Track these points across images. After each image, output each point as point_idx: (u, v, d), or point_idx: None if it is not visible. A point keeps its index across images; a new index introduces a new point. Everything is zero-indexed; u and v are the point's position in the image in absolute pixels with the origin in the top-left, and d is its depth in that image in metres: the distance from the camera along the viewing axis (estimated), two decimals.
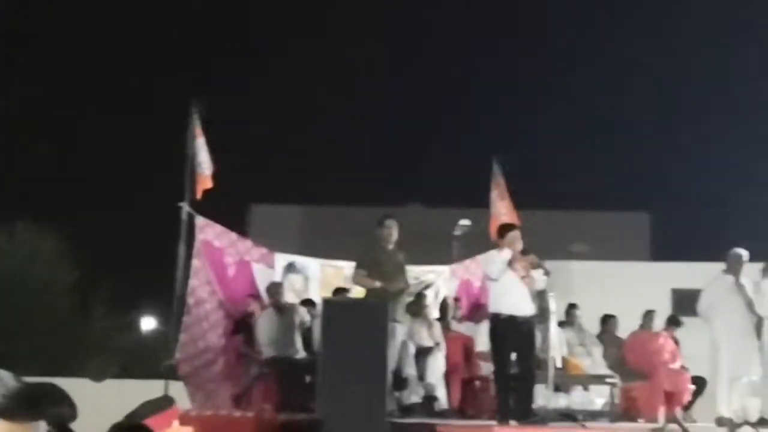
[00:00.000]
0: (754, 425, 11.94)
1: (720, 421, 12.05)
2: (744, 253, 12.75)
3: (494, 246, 11.73)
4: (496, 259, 11.21)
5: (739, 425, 11.87)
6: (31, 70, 51.61)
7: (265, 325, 13.00)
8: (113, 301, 27.76)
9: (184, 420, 9.74)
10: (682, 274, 22.51)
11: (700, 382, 13.35)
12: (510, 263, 11.07)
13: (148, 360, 20.60)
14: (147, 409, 6.17)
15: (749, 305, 12.53)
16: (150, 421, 5.70)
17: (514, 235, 11.42)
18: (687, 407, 13.06)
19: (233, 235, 14.22)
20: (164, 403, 6.40)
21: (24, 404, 2.85)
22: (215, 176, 13.30)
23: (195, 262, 12.91)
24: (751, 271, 12.88)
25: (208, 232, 13.39)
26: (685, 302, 16.78)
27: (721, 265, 13.02)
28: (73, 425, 3.81)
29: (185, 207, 12.86)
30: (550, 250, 18.24)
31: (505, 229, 11.86)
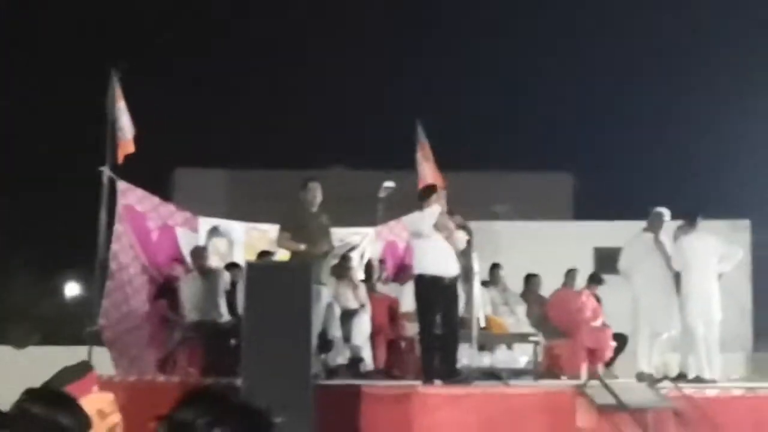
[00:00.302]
0: (673, 380, 12.05)
1: (641, 377, 12.16)
2: (665, 212, 12.87)
3: (419, 207, 11.66)
4: (426, 213, 11.15)
5: (659, 380, 11.95)
6: None
7: (189, 290, 12.92)
8: (35, 268, 27.44)
9: (106, 386, 9.60)
10: (603, 233, 22.68)
11: (621, 339, 13.47)
12: (434, 225, 11.05)
13: (71, 326, 20.30)
14: (65, 376, 6.02)
15: (668, 262, 12.62)
16: (69, 388, 5.52)
17: (438, 197, 11.40)
18: (609, 363, 13.15)
19: (156, 200, 14.06)
20: (82, 369, 6.26)
21: None
22: (137, 140, 13.09)
23: (117, 227, 12.79)
24: (669, 229, 12.95)
25: (130, 196, 13.21)
26: (606, 261, 16.86)
27: (641, 224, 13.07)
28: None
29: (106, 171, 12.65)
30: (475, 210, 18.27)
31: (429, 190, 11.84)
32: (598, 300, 14.10)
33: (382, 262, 14.89)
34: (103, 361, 12.64)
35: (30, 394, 4.02)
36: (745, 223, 25.56)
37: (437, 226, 11.13)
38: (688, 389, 11.64)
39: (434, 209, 11.13)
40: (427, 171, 15.47)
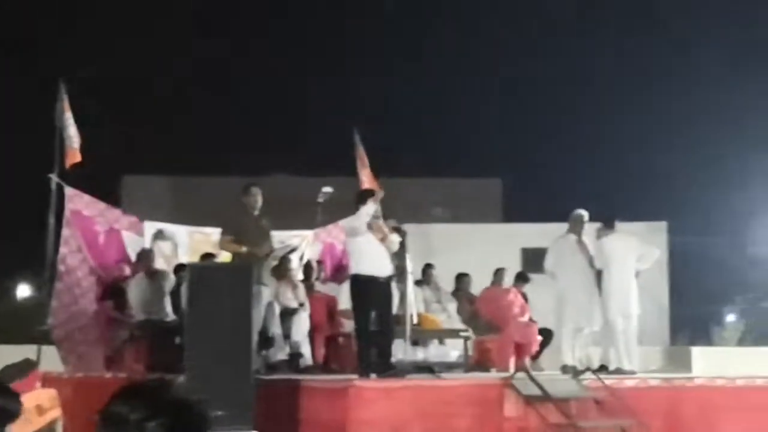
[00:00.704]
0: (595, 371, 12.21)
1: (565, 369, 12.33)
2: (584, 214, 13.04)
3: (355, 212, 11.73)
4: (361, 211, 11.23)
5: (582, 372, 12.12)
6: None
7: (136, 290, 12.91)
8: None
9: (54, 382, 9.58)
10: (530, 234, 22.89)
11: (546, 334, 13.60)
12: (369, 227, 11.15)
13: (22, 326, 20.08)
14: (9, 372, 6.02)
15: (590, 261, 12.81)
16: (14, 386, 5.54)
17: (374, 201, 11.49)
18: (535, 357, 13.29)
19: (102, 205, 14.02)
20: (26, 366, 6.27)
21: None
22: (84, 148, 13.05)
23: (65, 231, 12.74)
24: (591, 230, 13.13)
25: (77, 201, 13.17)
26: (532, 260, 17.09)
27: (565, 226, 13.24)
28: None
29: (54, 178, 12.58)
30: (411, 214, 18.35)
31: (364, 194, 11.92)
32: (525, 297, 14.24)
33: (320, 263, 14.93)
34: (52, 358, 12.62)
35: None
36: (661, 225, 25.95)
37: (371, 228, 11.24)
38: (609, 380, 11.81)
39: (369, 208, 11.23)
40: (364, 177, 15.55)
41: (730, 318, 23.63)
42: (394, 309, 11.73)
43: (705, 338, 22.93)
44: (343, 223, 13.01)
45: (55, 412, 5.67)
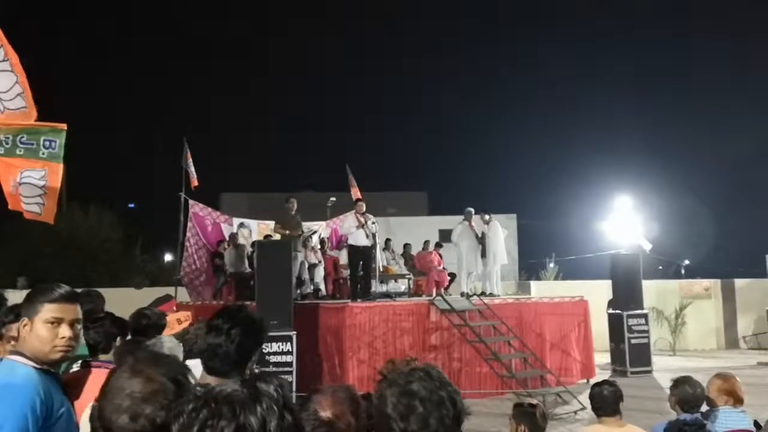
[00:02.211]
0: (479, 295, 12.19)
1: (462, 294, 12.29)
2: (471, 209, 12.97)
3: (350, 209, 11.81)
4: (350, 222, 11.34)
5: (471, 295, 12.10)
6: None
7: (228, 256, 12.75)
8: (148, 246, 27.02)
9: (184, 307, 9.44)
10: (443, 221, 22.94)
11: (452, 276, 13.55)
12: (357, 219, 11.12)
13: (167, 276, 19.84)
14: (157, 301, 5.90)
15: (476, 237, 12.76)
16: (160, 308, 5.41)
17: (360, 205, 11.45)
18: (446, 288, 13.23)
19: (209, 209, 13.96)
20: (167, 297, 6.17)
21: None
22: (199, 178, 12.98)
23: (189, 224, 12.68)
24: (477, 218, 13.10)
25: (195, 207, 13.16)
26: (445, 235, 17.00)
27: (461, 216, 13.17)
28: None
29: (182, 195, 12.52)
30: (377, 212, 18.29)
31: (356, 201, 11.97)
32: (440, 256, 14.21)
33: (329, 239, 14.86)
34: (183, 294, 12.50)
35: (140, 313, 3.98)
36: (513, 215, 26.13)
37: (358, 220, 11.20)
38: (486, 299, 11.84)
39: (352, 219, 11.35)
40: (354, 191, 15.55)
41: (550, 264, 23.68)
42: (372, 264, 11.67)
43: (536, 276, 22.97)
44: (342, 224, 13.07)
45: (189, 323, 5.54)
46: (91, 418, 1.51)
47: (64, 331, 2.13)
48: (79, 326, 2.20)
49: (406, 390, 1.45)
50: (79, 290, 2.46)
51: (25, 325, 2.13)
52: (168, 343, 2.77)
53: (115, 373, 1.44)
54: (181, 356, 2.35)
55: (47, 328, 2.11)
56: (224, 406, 1.10)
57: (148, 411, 1.36)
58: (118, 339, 3.01)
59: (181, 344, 3.12)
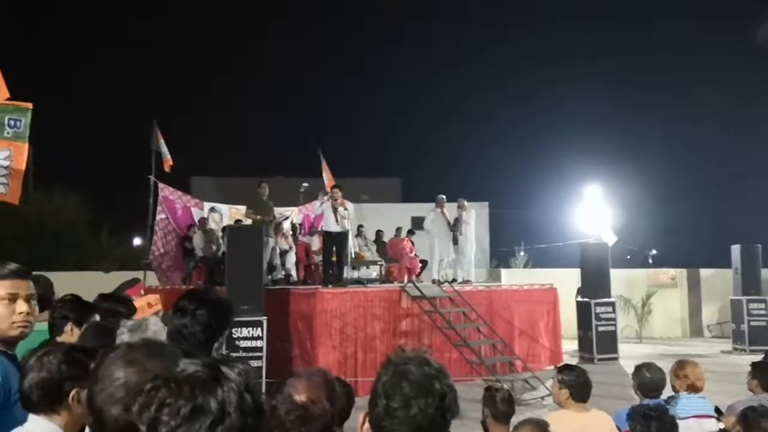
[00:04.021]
0: (450, 282, 12.27)
1: (434, 281, 12.37)
2: (443, 197, 13.02)
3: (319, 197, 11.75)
4: (324, 207, 11.33)
5: (443, 282, 12.18)
6: None
7: (198, 240, 12.60)
8: (117, 228, 26.62)
9: (153, 291, 9.35)
10: (416, 209, 22.97)
11: (423, 263, 13.61)
12: (333, 205, 11.09)
13: (136, 260, 19.56)
14: (123, 285, 5.82)
15: (447, 223, 12.82)
16: (128, 291, 5.35)
17: (335, 191, 11.43)
18: (418, 275, 13.29)
19: (179, 192, 13.77)
20: (134, 281, 6.08)
21: None
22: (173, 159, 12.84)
23: (158, 207, 12.47)
24: (450, 206, 13.15)
25: (166, 191, 12.97)
26: (417, 222, 17.03)
27: (433, 204, 13.20)
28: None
29: (152, 178, 12.31)
30: (350, 198, 18.23)
31: (332, 188, 12.01)
32: (412, 243, 14.25)
33: (301, 225, 14.80)
34: (152, 278, 12.35)
35: (104, 297, 3.93)
36: (485, 203, 26.26)
37: (332, 205, 11.17)
38: (457, 286, 11.93)
39: (324, 201, 11.21)
40: (327, 177, 15.48)
41: (520, 253, 23.91)
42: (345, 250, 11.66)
43: (507, 264, 23.19)
44: (314, 203, 12.94)
45: (159, 307, 5.48)
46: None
47: (21, 306, 2.12)
48: (34, 302, 2.18)
49: (399, 370, 1.44)
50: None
51: None
52: (153, 325, 2.74)
53: (108, 360, 1.40)
54: (164, 339, 2.34)
55: (3, 305, 2.10)
56: (184, 387, 1.08)
57: None
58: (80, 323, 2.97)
59: (165, 327, 3.09)
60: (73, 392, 1.88)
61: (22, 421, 1.89)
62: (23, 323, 2.13)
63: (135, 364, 1.37)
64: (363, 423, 1.48)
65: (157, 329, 2.68)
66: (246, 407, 1.09)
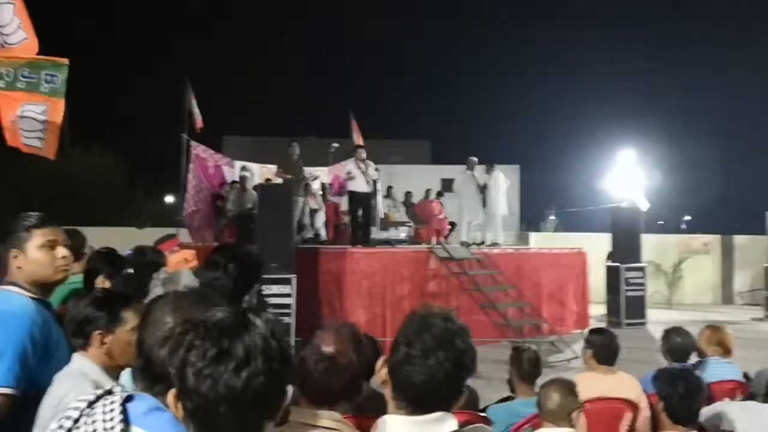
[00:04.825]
0: (478, 245, 12.26)
1: (462, 243, 12.35)
2: (475, 159, 12.90)
3: (351, 156, 11.72)
4: (351, 168, 11.24)
5: (470, 244, 12.18)
6: None
7: (232, 197, 12.68)
8: (151, 190, 26.99)
9: (185, 246, 9.48)
10: (445, 170, 22.89)
11: (452, 224, 13.60)
12: (358, 165, 11.07)
13: (169, 217, 19.89)
14: (159, 240, 5.94)
15: (478, 187, 12.72)
16: (161, 246, 5.45)
17: (360, 151, 11.37)
18: (446, 237, 13.30)
19: (211, 151, 13.81)
20: (168, 236, 6.20)
21: None
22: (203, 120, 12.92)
23: (190, 165, 12.52)
24: (480, 168, 13.03)
25: (197, 149, 12.95)
26: (447, 185, 17.00)
27: (464, 166, 13.10)
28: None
29: (185, 136, 12.37)
30: (380, 159, 18.26)
31: (355, 147, 11.85)
32: (442, 205, 14.23)
33: (331, 185, 14.85)
34: (184, 234, 12.54)
35: (139, 249, 4.02)
36: (516, 167, 25.99)
37: (358, 168, 11.15)
38: (485, 249, 11.91)
39: (353, 165, 11.26)
40: (357, 137, 15.46)
41: (550, 217, 23.73)
42: (372, 211, 11.70)
43: (536, 227, 23.05)
44: (344, 163, 12.94)
45: (195, 263, 5.61)
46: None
47: (62, 251, 2.22)
48: (68, 247, 2.26)
49: (424, 322, 1.48)
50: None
51: (15, 256, 2.15)
52: (185, 278, 2.80)
53: (157, 306, 1.47)
54: None
55: (44, 251, 2.18)
56: (212, 331, 1.12)
57: None
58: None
59: (198, 280, 3.17)
60: (94, 334, 2.04)
61: (63, 364, 1.98)
62: (65, 267, 2.23)
63: (183, 311, 1.42)
64: (382, 367, 1.52)
65: (189, 282, 2.74)
66: (272, 352, 1.12)
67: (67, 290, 2.78)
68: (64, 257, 2.21)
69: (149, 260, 3.72)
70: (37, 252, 2.16)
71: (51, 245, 2.19)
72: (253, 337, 1.12)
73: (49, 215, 2.26)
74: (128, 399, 1.32)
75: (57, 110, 5.41)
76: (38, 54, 5.43)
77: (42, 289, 2.17)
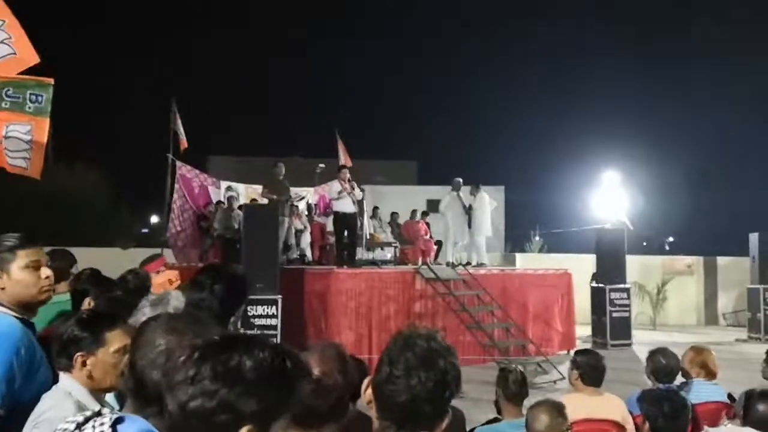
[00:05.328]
0: (464, 265, 12.26)
1: (448, 264, 12.34)
2: (460, 180, 12.94)
3: (335, 177, 11.69)
4: (336, 188, 11.17)
5: (456, 265, 12.18)
6: None
7: (219, 216, 12.61)
8: (138, 209, 26.80)
9: (172, 268, 9.41)
10: (431, 191, 22.95)
11: (439, 245, 13.61)
12: (342, 185, 11.09)
13: (154, 237, 19.73)
14: (145, 261, 5.87)
15: (463, 208, 12.74)
16: (148, 267, 5.40)
17: (344, 171, 11.39)
18: (436, 258, 13.29)
19: (197, 171, 13.78)
20: (154, 256, 6.11)
21: None
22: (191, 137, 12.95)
23: (175, 186, 12.51)
24: (465, 189, 13.08)
25: (183, 169, 12.95)
26: (432, 205, 17.05)
27: (449, 187, 13.14)
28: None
29: (170, 156, 12.35)
30: (365, 180, 18.28)
31: (340, 168, 11.85)
32: (428, 225, 14.26)
33: (316, 205, 14.85)
34: (169, 255, 12.43)
35: (130, 271, 3.99)
36: (501, 188, 26.12)
37: (344, 188, 11.15)
38: (471, 269, 11.92)
39: (337, 185, 11.19)
40: (343, 157, 15.50)
41: (535, 238, 23.81)
42: (357, 231, 11.68)
43: (521, 248, 23.12)
44: (329, 184, 12.96)
45: (179, 283, 5.53)
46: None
47: (45, 271, 2.23)
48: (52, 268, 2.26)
49: (407, 341, 1.48)
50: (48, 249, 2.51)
51: None
52: (175, 300, 2.79)
53: (149, 328, 1.45)
54: None
55: (28, 272, 2.18)
56: (221, 347, 1.13)
57: None
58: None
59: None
60: (76, 355, 2.00)
61: (44, 384, 1.96)
62: (49, 287, 2.23)
63: (175, 332, 1.41)
64: (367, 388, 1.52)
65: (179, 304, 2.72)
66: (285, 371, 1.14)
67: (54, 311, 2.76)
68: (47, 278, 2.21)
69: (135, 286, 3.71)
70: (21, 273, 2.16)
71: (35, 266, 2.19)
72: (266, 355, 1.14)
73: (31, 234, 2.25)
74: (119, 421, 1.30)
75: (42, 130, 5.38)
76: (32, 68, 5.41)
77: (25, 309, 2.16)
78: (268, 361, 1.11)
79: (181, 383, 1.10)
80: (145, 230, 26.72)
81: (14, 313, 2.11)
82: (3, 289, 2.14)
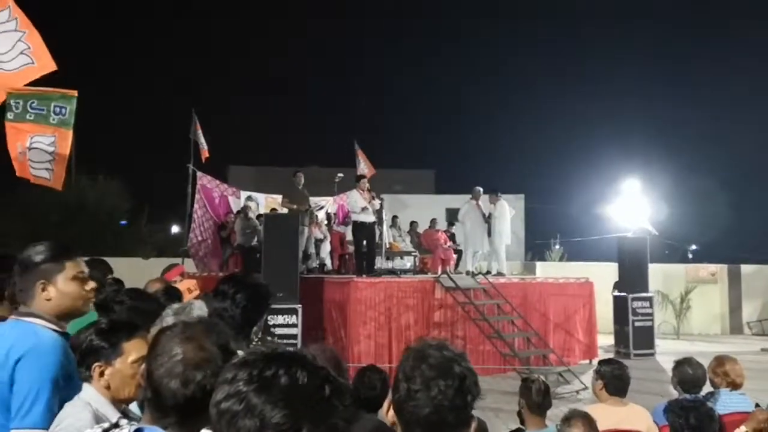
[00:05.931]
0: (484, 274, 12.20)
1: (467, 273, 12.29)
2: (480, 189, 12.90)
3: (354, 186, 11.72)
4: (355, 199, 11.18)
5: (476, 274, 12.12)
6: None
7: (237, 226, 12.72)
8: (156, 215, 26.93)
9: (192, 277, 9.48)
10: (450, 200, 22.87)
11: (458, 254, 13.56)
12: (362, 195, 11.11)
13: (174, 247, 19.91)
14: (165, 269, 5.94)
15: (483, 216, 12.69)
16: (167, 275, 5.46)
17: (363, 181, 11.41)
18: (456, 267, 13.24)
19: (217, 181, 13.95)
20: (173, 265, 6.19)
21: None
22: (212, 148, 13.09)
23: (196, 195, 12.65)
24: (485, 198, 13.04)
25: (204, 179, 13.14)
26: (452, 214, 16.97)
27: (469, 195, 13.10)
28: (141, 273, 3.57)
29: (191, 166, 12.50)
30: (384, 189, 18.29)
31: (359, 178, 11.88)
32: (453, 235, 14.23)
33: (336, 214, 14.89)
34: (189, 264, 12.53)
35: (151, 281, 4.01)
36: (521, 196, 25.98)
37: (364, 198, 11.17)
38: (491, 278, 11.85)
39: (357, 195, 11.23)
40: (365, 167, 15.56)
41: (556, 246, 23.61)
42: (376, 240, 11.68)
43: (542, 257, 22.95)
44: (348, 193, 13.00)
45: (197, 292, 5.59)
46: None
47: (90, 283, 2.23)
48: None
49: (419, 354, 1.48)
50: (86, 258, 2.52)
51: (44, 288, 2.11)
52: (197, 309, 2.80)
53: (165, 337, 1.45)
54: None
55: (75, 284, 2.16)
56: (259, 358, 1.12)
57: (199, 377, 1.37)
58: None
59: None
60: (94, 366, 2.02)
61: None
62: (92, 299, 2.25)
63: (193, 341, 1.41)
64: (388, 410, 1.50)
65: (201, 313, 2.74)
66: (321, 395, 1.11)
67: (86, 322, 2.77)
68: (92, 289, 2.21)
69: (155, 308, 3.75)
70: (69, 284, 2.14)
71: (82, 277, 2.18)
72: (305, 368, 1.13)
73: (73, 245, 2.27)
74: None
75: (65, 141, 5.47)
76: (47, 77, 5.50)
77: (63, 320, 2.16)
78: (303, 381, 1.10)
79: (221, 383, 1.10)
80: (174, 230, 26.84)
81: (53, 326, 2.10)
82: (49, 300, 2.11)
